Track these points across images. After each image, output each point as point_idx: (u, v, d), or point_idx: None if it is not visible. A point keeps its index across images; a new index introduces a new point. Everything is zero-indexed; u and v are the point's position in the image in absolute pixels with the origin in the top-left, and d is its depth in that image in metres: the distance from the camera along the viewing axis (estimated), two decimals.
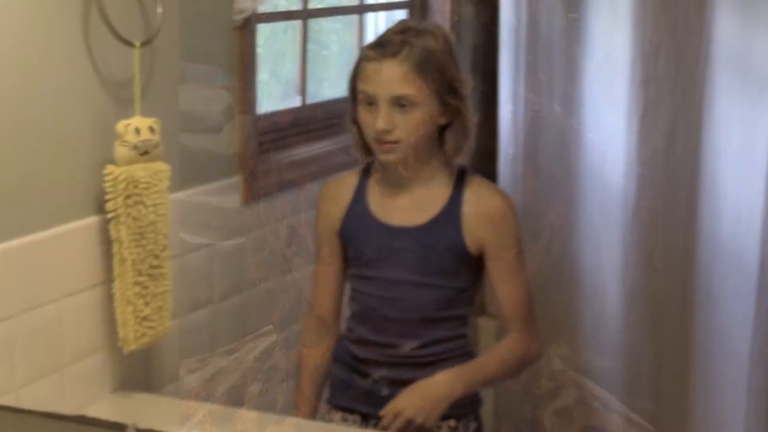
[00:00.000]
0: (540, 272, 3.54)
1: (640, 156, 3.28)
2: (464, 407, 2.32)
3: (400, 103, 2.17)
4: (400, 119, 2.18)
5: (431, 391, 2.18)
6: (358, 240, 2.31)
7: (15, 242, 2.00)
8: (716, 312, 3.28)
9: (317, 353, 2.39)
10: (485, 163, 3.73)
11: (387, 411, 2.16)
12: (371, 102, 2.20)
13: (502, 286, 2.28)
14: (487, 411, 3.47)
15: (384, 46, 2.20)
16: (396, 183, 2.28)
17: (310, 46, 3.11)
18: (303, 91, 3.10)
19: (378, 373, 2.30)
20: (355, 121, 2.27)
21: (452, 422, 2.30)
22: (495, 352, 2.31)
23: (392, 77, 2.17)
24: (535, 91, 3.45)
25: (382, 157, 2.23)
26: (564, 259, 3.50)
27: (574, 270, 3.49)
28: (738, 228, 3.18)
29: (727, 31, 3.14)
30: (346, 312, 2.40)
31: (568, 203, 3.47)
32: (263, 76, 2.92)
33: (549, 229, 3.52)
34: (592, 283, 3.46)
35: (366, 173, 2.34)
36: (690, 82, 3.22)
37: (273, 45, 3.15)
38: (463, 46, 3.69)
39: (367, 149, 2.27)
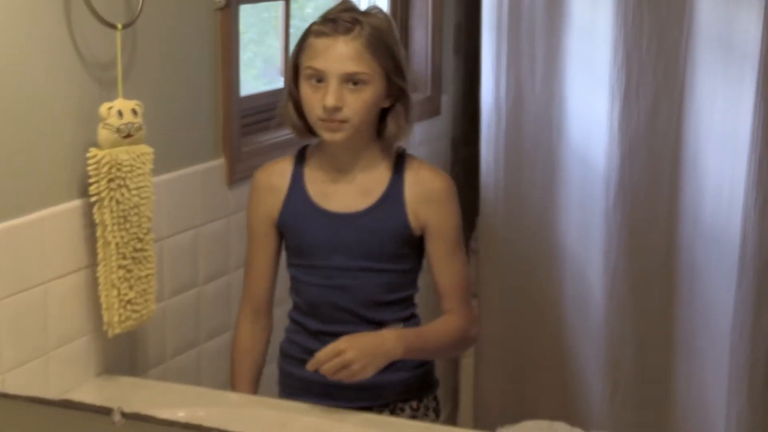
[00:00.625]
0: (523, 251, 3.56)
1: (622, 134, 3.29)
2: (425, 389, 2.34)
3: (351, 80, 2.14)
4: (350, 97, 2.15)
5: (377, 343, 2.13)
6: (300, 229, 2.28)
7: None
8: (698, 289, 3.30)
9: (251, 343, 2.38)
10: (467, 143, 3.74)
11: (329, 348, 2.09)
12: (320, 78, 2.16)
13: (443, 266, 2.27)
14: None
15: (336, 22, 2.17)
16: (336, 168, 2.26)
17: (293, 27, 3.10)
18: (286, 73, 3.08)
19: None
20: (292, 98, 2.24)
21: (414, 403, 2.32)
22: (437, 324, 2.28)
23: (345, 54, 2.14)
24: (517, 70, 3.45)
25: (327, 135, 2.19)
26: (546, 237, 3.51)
27: (557, 249, 3.50)
28: (720, 205, 3.20)
29: (708, 9, 3.15)
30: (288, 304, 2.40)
31: (550, 182, 3.47)
32: (246, 57, 2.91)
33: (531, 209, 3.53)
34: (575, 261, 3.47)
35: (300, 159, 2.31)
36: (672, 60, 3.23)
37: (255, 26, 3.14)
38: (446, 24, 3.69)
39: (305, 129, 2.24)
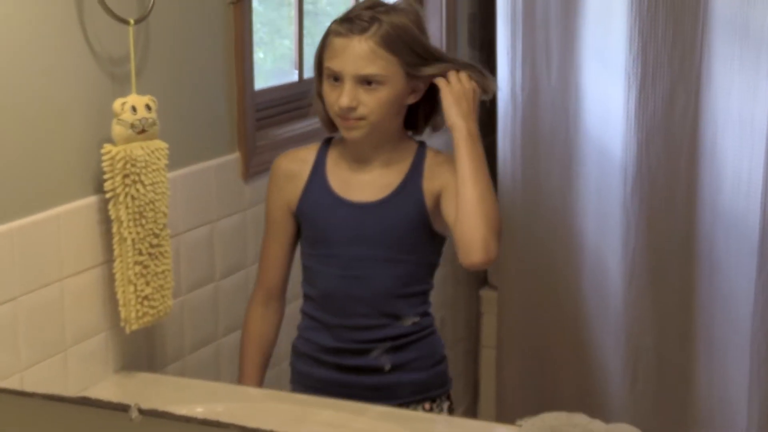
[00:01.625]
0: (542, 241, 3.55)
1: (638, 123, 3.28)
2: (438, 388, 2.33)
3: (366, 80, 2.14)
4: (365, 97, 2.15)
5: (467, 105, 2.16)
6: (318, 218, 2.28)
7: (15, 224, 2.00)
8: (718, 276, 3.28)
9: (262, 326, 2.38)
10: (484, 133, 3.73)
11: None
12: (337, 78, 2.17)
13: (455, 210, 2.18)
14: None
15: (352, 21, 2.16)
16: (357, 160, 2.26)
17: (307, 20, 3.10)
18: (300, 66, 3.09)
19: (345, 360, 2.28)
20: (320, 96, 2.24)
21: (427, 404, 2.31)
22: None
23: (358, 55, 2.14)
24: (532, 60, 3.44)
25: (346, 133, 2.20)
26: (565, 226, 3.50)
27: (575, 237, 3.49)
28: (738, 192, 3.18)
29: None
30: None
31: (567, 171, 3.46)
32: (259, 51, 2.90)
33: (549, 198, 3.52)
34: (594, 249, 3.46)
35: (324, 149, 2.31)
36: (688, 48, 3.21)
37: (269, 20, 3.14)
38: (460, 16, 3.68)
39: (332, 124, 2.25)
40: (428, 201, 2.22)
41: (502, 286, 3.62)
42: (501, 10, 3.45)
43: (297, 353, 2.37)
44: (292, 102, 3.00)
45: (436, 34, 3.61)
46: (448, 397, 2.36)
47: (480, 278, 3.89)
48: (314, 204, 2.28)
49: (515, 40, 3.43)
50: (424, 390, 2.30)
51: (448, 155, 2.25)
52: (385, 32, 2.14)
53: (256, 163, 2.65)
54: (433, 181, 2.23)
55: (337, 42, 2.17)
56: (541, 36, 3.42)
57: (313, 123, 2.95)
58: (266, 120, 2.84)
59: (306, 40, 3.08)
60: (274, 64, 3.18)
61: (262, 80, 2.89)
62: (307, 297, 2.35)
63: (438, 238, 2.27)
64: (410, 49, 2.17)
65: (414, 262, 2.26)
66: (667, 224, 3.35)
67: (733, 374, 3.29)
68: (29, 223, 2.03)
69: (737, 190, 3.18)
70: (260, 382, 2.37)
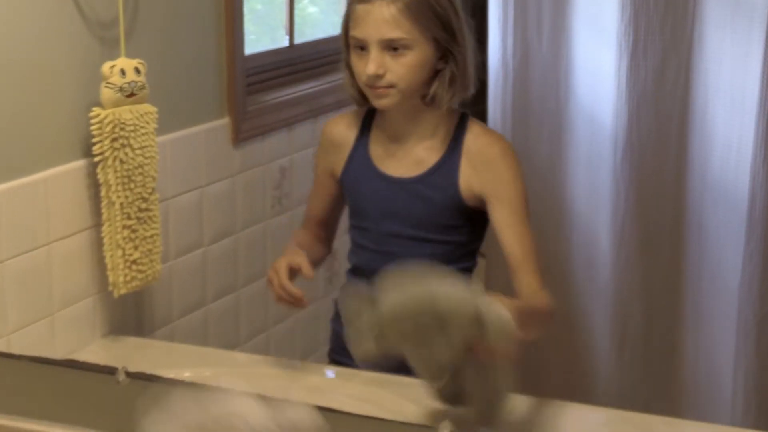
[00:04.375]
0: (531, 209, 3.55)
1: (629, 91, 3.27)
2: None
3: (391, 46, 2.09)
4: (392, 63, 2.09)
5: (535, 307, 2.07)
6: (358, 189, 2.24)
7: (2, 187, 2.00)
8: (706, 246, 3.28)
9: (311, 237, 2.31)
10: (474, 101, 3.72)
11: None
12: (363, 46, 2.11)
13: (510, 234, 2.16)
14: None
15: None
16: (394, 132, 2.21)
17: None
18: (291, 32, 3.07)
19: None
20: (348, 67, 2.18)
21: None
22: (532, 297, 2.14)
23: (382, 20, 2.08)
24: (523, 28, 3.43)
25: (376, 102, 2.14)
26: (554, 195, 3.50)
27: (565, 205, 3.49)
28: (728, 162, 3.18)
29: None
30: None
31: (558, 140, 3.46)
32: (250, 16, 2.89)
33: (538, 166, 3.51)
34: (583, 219, 3.46)
35: (369, 117, 2.26)
36: (680, 16, 3.20)
37: None
38: None
39: (362, 96, 2.18)
40: (463, 183, 2.16)
41: (489, 253, 3.61)
42: None
43: (336, 312, 2.33)
44: (282, 67, 2.99)
45: None
46: None
47: None
48: (355, 175, 2.24)
49: (507, 7, 3.42)
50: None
51: (489, 135, 2.20)
52: None
53: (245, 129, 2.65)
54: (472, 169, 2.16)
55: (360, 9, 2.11)
56: (533, 3, 3.40)
57: (304, 88, 2.96)
58: (256, 85, 2.82)
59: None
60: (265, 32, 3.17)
61: (251, 46, 2.88)
62: (350, 265, 2.32)
63: (476, 219, 2.20)
64: (435, 16, 2.11)
65: (447, 242, 2.20)
66: (657, 193, 3.35)
67: (720, 343, 3.30)
68: (17, 186, 2.02)
69: (727, 159, 3.18)
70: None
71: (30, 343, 2.06)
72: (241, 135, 2.63)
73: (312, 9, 3.46)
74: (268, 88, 2.89)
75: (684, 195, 3.29)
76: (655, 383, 3.44)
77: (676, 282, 3.36)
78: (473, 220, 2.20)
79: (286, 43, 3.08)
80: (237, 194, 2.65)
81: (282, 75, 2.99)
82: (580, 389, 3.50)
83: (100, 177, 2.13)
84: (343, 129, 2.27)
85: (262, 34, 3.17)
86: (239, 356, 2.36)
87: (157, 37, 2.34)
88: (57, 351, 2.11)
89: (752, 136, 3.09)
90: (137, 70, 2.15)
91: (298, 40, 3.10)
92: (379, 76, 2.09)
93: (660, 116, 3.28)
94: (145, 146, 2.18)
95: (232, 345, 2.66)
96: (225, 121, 2.60)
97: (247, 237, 2.70)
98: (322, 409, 1.55)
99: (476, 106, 3.69)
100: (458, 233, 2.20)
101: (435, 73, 2.14)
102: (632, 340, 3.45)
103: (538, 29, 3.42)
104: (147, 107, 2.19)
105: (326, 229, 2.34)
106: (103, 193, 2.14)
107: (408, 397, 2.00)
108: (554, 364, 3.59)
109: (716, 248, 3.25)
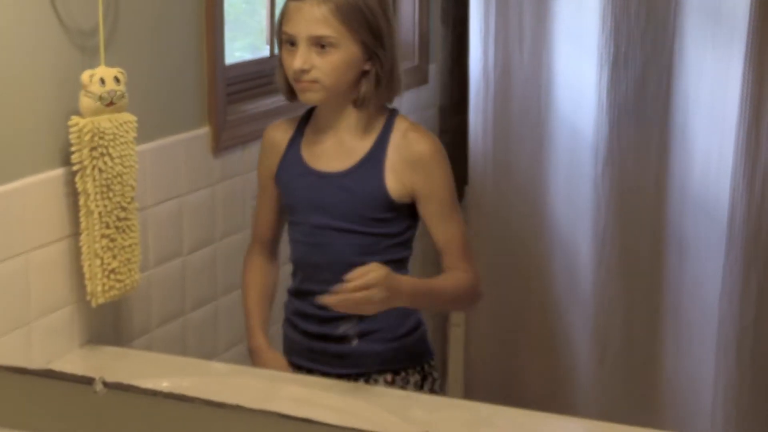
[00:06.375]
0: (512, 220, 3.55)
1: (610, 103, 3.28)
2: (403, 362, 2.32)
3: (318, 43, 2.16)
4: (318, 60, 2.16)
5: (395, 284, 2.08)
6: (289, 185, 2.32)
7: None
8: (687, 261, 3.29)
9: (257, 270, 2.41)
10: (455, 111, 3.72)
11: (361, 270, 2.03)
12: (292, 42, 2.18)
13: (438, 227, 2.26)
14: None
15: None
16: (324, 129, 2.29)
17: None
18: (272, 42, 3.07)
19: (310, 327, 2.30)
20: (280, 64, 2.26)
21: (389, 376, 2.30)
22: (448, 278, 2.26)
23: (311, 17, 2.15)
24: (505, 38, 3.43)
25: (301, 96, 2.22)
26: (535, 206, 3.50)
27: (546, 217, 3.49)
28: (708, 174, 3.19)
29: None
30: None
31: (539, 151, 3.46)
32: (231, 25, 2.88)
33: (519, 177, 3.51)
34: (564, 229, 3.46)
35: (304, 120, 2.34)
36: (661, 30, 3.21)
37: None
38: None
39: (291, 91, 2.25)
40: (390, 178, 2.23)
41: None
42: None
43: (285, 315, 2.40)
44: (263, 77, 2.99)
45: (409, 11, 3.60)
46: (421, 371, 2.34)
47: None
48: (288, 172, 2.32)
49: (488, 18, 3.42)
50: (388, 362, 2.29)
51: (416, 132, 2.26)
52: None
53: (225, 138, 2.64)
54: (400, 165, 2.23)
55: (293, 6, 2.19)
56: (514, 14, 3.41)
57: (284, 99, 2.95)
58: (237, 95, 2.82)
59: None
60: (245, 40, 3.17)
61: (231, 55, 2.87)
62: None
63: (405, 212, 2.26)
64: (363, 19, 2.18)
65: (375, 234, 2.25)
66: (637, 205, 3.35)
67: (700, 354, 3.30)
68: None
69: (707, 171, 3.19)
70: (265, 329, 2.38)
71: (6, 352, 2.04)
72: (221, 144, 2.63)
73: None
74: (248, 98, 2.88)
75: (664, 206, 3.30)
76: (636, 393, 3.45)
77: (657, 293, 3.37)
78: (401, 213, 2.27)
79: (266, 53, 3.08)
80: (216, 203, 2.64)
81: (262, 85, 2.98)
82: (560, 400, 3.51)
83: (79, 186, 2.12)
84: (279, 132, 2.36)
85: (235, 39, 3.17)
86: (218, 366, 2.35)
87: (137, 46, 2.33)
88: (34, 361, 2.10)
89: (732, 148, 3.10)
90: (117, 79, 2.14)
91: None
92: (304, 71, 2.17)
93: (641, 128, 3.29)
94: (124, 155, 2.17)
95: (210, 355, 2.65)
96: (205, 130, 2.59)
97: (227, 246, 2.69)
98: (302, 420, 1.54)
99: (457, 116, 3.70)
100: (386, 225, 2.26)
101: (362, 74, 2.22)
102: (612, 352, 3.45)
103: (520, 40, 3.42)
104: (126, 116, 2.18)
105: (274, 242, 2.43)
106: (81, 202, 2.12)
107: (388, 408, 2.00)
108: (534, 374, 3.59)
109: (697, 260, 3.26)
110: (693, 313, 3.30)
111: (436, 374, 2.38)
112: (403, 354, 2.31)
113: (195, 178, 2.57)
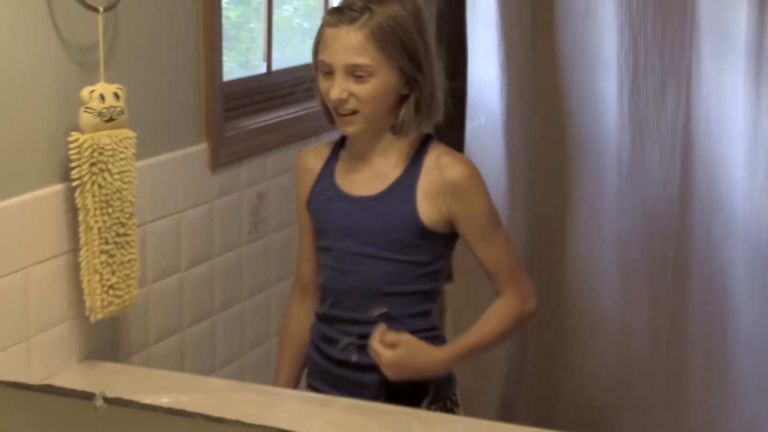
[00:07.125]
0: (530, 243, 3.54)
1: (631, 117, 3.28)
2: (409, 397, 2.22)
3: (355, 72, 2.11)
4: (356, 88, 2.12)
5: (421, 361, 2.13)
6: (320, 210, 2.26)
7: None
8: (713, 266, 3.27)
9: (296, 323, 2.36)
10: (452, 133, 3.73)
11: (377, 346, 2.11)
12: (329, 71, 2.14)
13: (481, 250, 2.21)
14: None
15: (343, 11, 2.13)
16: (358, 153, 2.24)
17: (276, 12, 3.09)
18: (268, 58, 3.08)
19: (335, 353, 2.25)
20: (319, 91, 2.21)
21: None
22: (490, 320, 2.22)
23: (347, 45, 2.10)
24: (508, 56, 3.41)
25: (343, 129, 2.18)
26: (554, 227, 3.50)
27: (566, 235, 3.48)
28: (733, 183, 3.17)
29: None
30: None
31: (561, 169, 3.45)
32: (228, 42, 2.89)
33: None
34: (586, 246, 3.45)
35: (339, 144, 2.29)
36: (677, 47, 3.21)
37: (238, 10, 3.13)
38: (428, 11, 3.67)
39: (332, 117, 2.20)
40: (422, 203, 2.18)
41: (458, 278, 3.61)
42: (470, 6, 3.44)
43: (310, 338, 2.34)
44: (260, 93, 3.00)
45: None
46: (444, 407, 2.26)
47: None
48: (318, 197, 2.27)
49: (489, 33, 3.41)
50: (394, 394, 2.20)
51: (450, 157, 2.22)
52: (376, 24, 2.10)
53: (223, 154, 2.65)
54: (434, 190, 2.18)
55: (327, 33, 2.14)
56: (518, 29, 3.40)
57: (282, 115, 2.96)
58: (234, 111, 2.83)
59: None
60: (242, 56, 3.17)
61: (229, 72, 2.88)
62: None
63: (436, 239, 2.21)
64: (400, 44, 2.13)
65: (404, 262, 2.20)
66: (661, 222, 3.33)
67: (727, 363, 3.28)
68: None
69: (731, 180, 3.17)
70: (295, 382, 2.35)
71: (5, 368, 2.04)
72: (218, 161, 2.63)
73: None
74: (246, 114, 2.89)
75: (689, 222, 3.29)
76: (660, 413, 3.43)
77: (682, 301, 3.35)
78: (432, 241, 2.21)
79: (263, 69, 3.09)
80: (214, 220, 2.65)
81: (259, 101, 2.99)
82: (588, 421, 3.48)
83: (78, 201, 2.12)
84: (312, 157, 2.31)
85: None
86: (216, 382, 2.35)
87: (137, 63, 2.34)
88: (33, 376, 2.10)
89: (755, 155, 3.08)
90: (116, 95, 2.15)
91: (275, 67, 3.10)
92: (342, 100, 2.12)
93: (662, 142, 3.28)
94: (124, 171, 2.17)
95: (207, 371, 2.65)
96: (203, 146, 2.60)
97: (224, 262, 2.69)
98: None
99: (454, 137, 3.70)
100: (416, 253, 2.21)
101: (401, 99, 2.17)
102: (638, 364, 3.43)
103: (523, 57, 3.42)
104: (126, 132, 2.18)
105: (316, 286, 2.34)
106: (80, 218, 2.13)
107: (386, 425, 2.00)
108: (562, 394, 3.57)
109: (722, 282, 3.24)
110: (719, 322, 3.28)
111: (457, 410, 2.30)
112: (407, 387, 2.21)
113: (193, 194, 2.57)
